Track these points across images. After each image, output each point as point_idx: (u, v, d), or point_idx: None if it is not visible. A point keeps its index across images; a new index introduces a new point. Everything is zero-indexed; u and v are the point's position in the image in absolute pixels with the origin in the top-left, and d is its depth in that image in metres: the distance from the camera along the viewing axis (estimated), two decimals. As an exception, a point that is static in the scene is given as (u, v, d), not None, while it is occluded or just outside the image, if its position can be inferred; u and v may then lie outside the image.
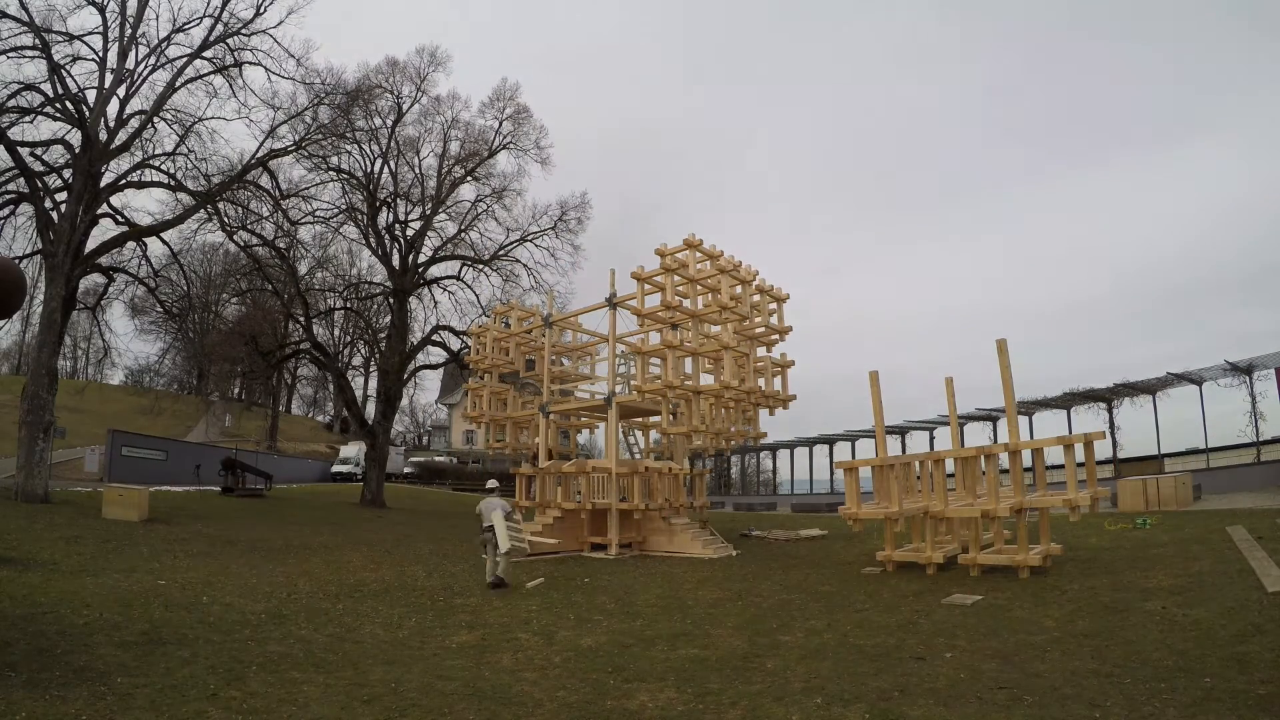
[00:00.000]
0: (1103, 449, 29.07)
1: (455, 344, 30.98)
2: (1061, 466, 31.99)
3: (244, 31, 21.72)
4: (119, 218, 21.70)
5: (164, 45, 21.24)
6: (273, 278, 28.31)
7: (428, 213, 31.57)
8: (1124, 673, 5.41)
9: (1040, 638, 6.78)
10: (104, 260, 21.52)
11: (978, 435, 33.45)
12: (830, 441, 39.87)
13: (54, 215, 19.52)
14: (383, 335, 34.64)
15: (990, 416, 32.55)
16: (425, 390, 66.51)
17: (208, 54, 21.57)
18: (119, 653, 5.91)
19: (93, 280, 23.96)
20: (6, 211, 20.39)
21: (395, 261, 31.10)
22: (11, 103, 18.95)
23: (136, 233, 21.59)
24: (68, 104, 19.76)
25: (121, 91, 20.74)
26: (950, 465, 12.93)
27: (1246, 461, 24.14)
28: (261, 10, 21.64)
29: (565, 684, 5.83)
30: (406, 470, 52.75)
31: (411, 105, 30.66)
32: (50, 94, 19.58)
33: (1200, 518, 13.77)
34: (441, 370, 40.95)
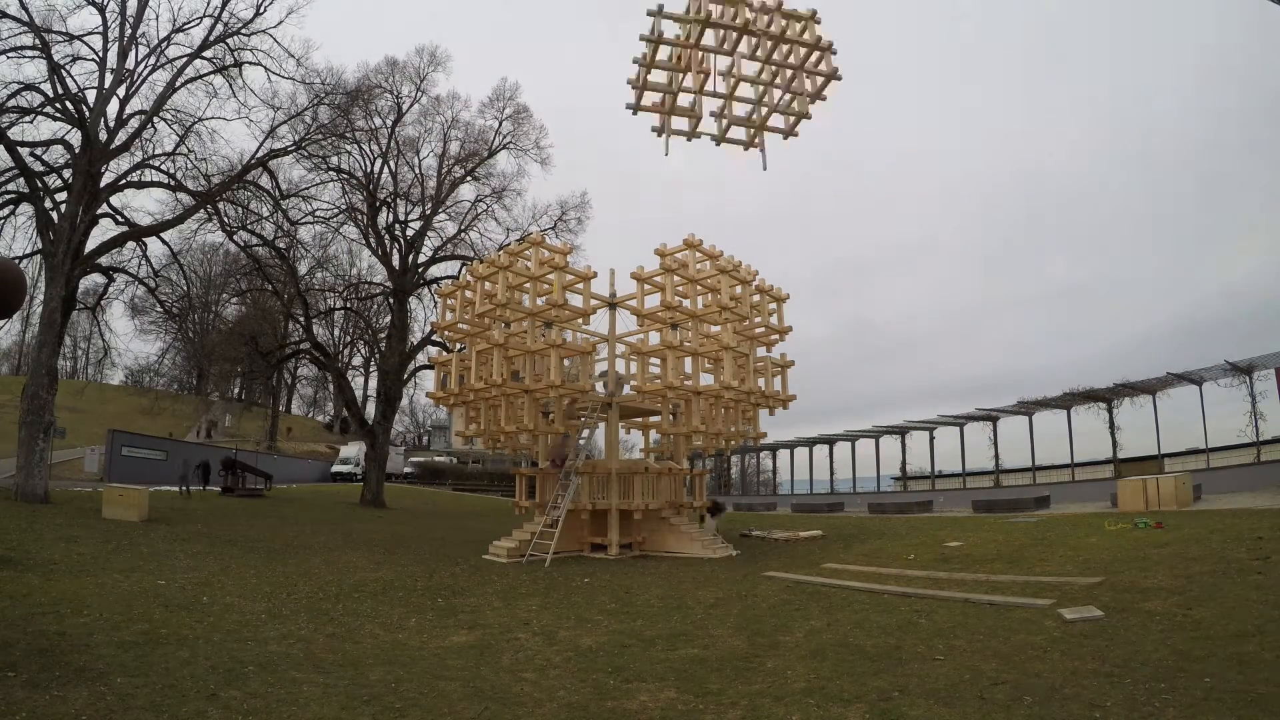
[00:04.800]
0: (1103, 449, 29.19)
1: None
2: (1067, 466, 31.81)
3: (244, 31, 21.78)
4: (119, 218, 21.73)
5: (164, 45, 21.29)
6: (273, 278, 28.34)
7: (428, 213, 31.61)
8: (1124, 673, 5.40)
9: (1040, 638, 6.77)
10: (104, 260, 21.54)
11: (978, 435, 33.50)
12: (830, 441, 39.88)
13: (54, 215, 19.54)
14: (383, 335, 34.67)
15: (990, 416, 32.57)
16: (425, 390, 66.48)
17: (208, 54, 21.60)
18: (119, 653, 5.91)
19: (93, 280, 24.02)
20: (6, 211, 20.42)
21: (395, 261, 31.13)
22: (11, 103, 18.98)
23: (136, 233, 21.61)
24: (68, 104, 19.77)
25: (121, 91, 20.78)
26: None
27: (1246, 461, 24.14)
28: (261, 10, 21.70)
29: (565, 684, 5.83)
30: (406, 470, 52.79)
31: (411, 105, 30.75)
32: (50, 94, 19.60)
33: (1200, 518, 13.77)
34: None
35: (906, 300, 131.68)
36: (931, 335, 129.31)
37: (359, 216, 30.35)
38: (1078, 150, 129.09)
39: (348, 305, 33.91)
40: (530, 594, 10.69)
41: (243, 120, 23.12)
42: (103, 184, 20.44)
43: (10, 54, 19.17)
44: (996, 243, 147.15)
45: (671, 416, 19.00)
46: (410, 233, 31.71)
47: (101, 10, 20.24)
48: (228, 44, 21.80)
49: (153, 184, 22.14)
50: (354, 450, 46.54)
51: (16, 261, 13.13)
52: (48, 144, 20.38)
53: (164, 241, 23.06)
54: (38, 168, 19.83)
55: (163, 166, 21.91)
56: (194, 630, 7.06)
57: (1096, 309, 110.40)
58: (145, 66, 21.17)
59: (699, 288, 17.57)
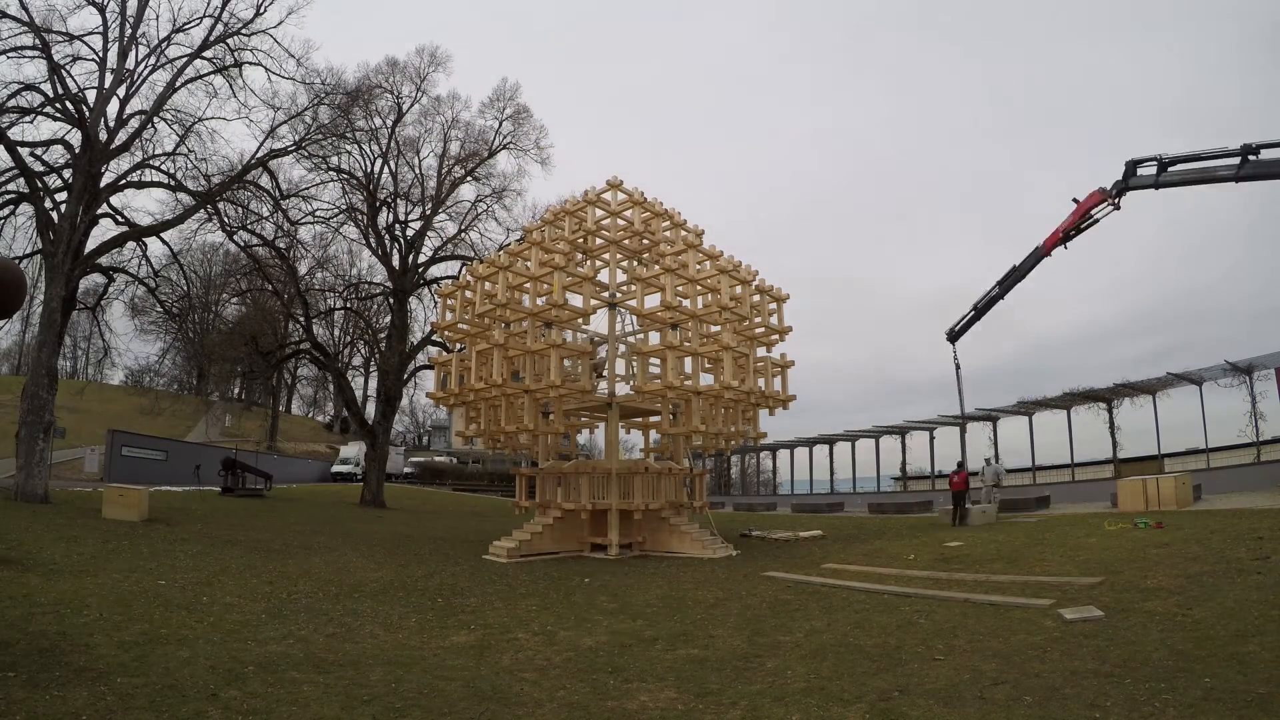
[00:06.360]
0: (1102, 449, 29.18)
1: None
2: (1067, 466, 31.79)
3: (244, 31, 21.76)
4: (119, 218, 21.73)
5: (164, 45, 21.28)
6: (273, 278, 28.33)
7: (428, 213, 31.61)
8: (1124, 673, 5.40)
9: (1040, 638, 6.77)
10: (104, 260, 21.54)
11: (978, 435, 33.49)
12: (830, 441, 39.88)
13: (54, 215, 19.54)
14: (383, 335, 34.67)
15: (990, 416, 32.57)
16: (425, 390, 66.48)
17: (208, 54, 21.59)
18: (119, 653, 5.91)
19: (93, 280, 24.00)
20: (6, 211, 20.42)
21: (395, 261, 31.13)
22: (11, 103, 18.98)
23: (136, 233, 21.61)
24: (68, 104, 19.77)
25: (121, 91, 20.77)
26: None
27: (1246, 461, 24.13)
28: (261, 10, 21.68)
29: (565, 684, 5.83)
30: (406, 470, 52.77)
31: (411, 105, 30.75)
32: (50, 94, 19.60)
33: (1200, 518, 13.76)
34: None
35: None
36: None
37: (359, 216, 30.34)
38: None
39: (348, 305, 33.90)
40: (530, 594, 10.69)
41: (243, 120, 23.17)
42: (103, 184, 20.43)
43: (10, 54, 19.17)
44: None
45: (671, 416, 19.00)
46: (410, 233, 31.72)
47: (101, 10, 20.23)
48: (228, 44, 21.78)
49: (153, 184, 22.13)
50: (354, 450, 46.55)
51: (16, 261, 13.13)
52: (48, 144, 20.38)
53: (164, 241, 23.09)
54: (38, 168, 19.82)
55: (163, 166, 21.92)
56: (194, 630, 7.06)
57: None
58: (145, 66, 21.18)
59: (699, 288, 17.59)
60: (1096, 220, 22.70)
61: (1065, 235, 23.07)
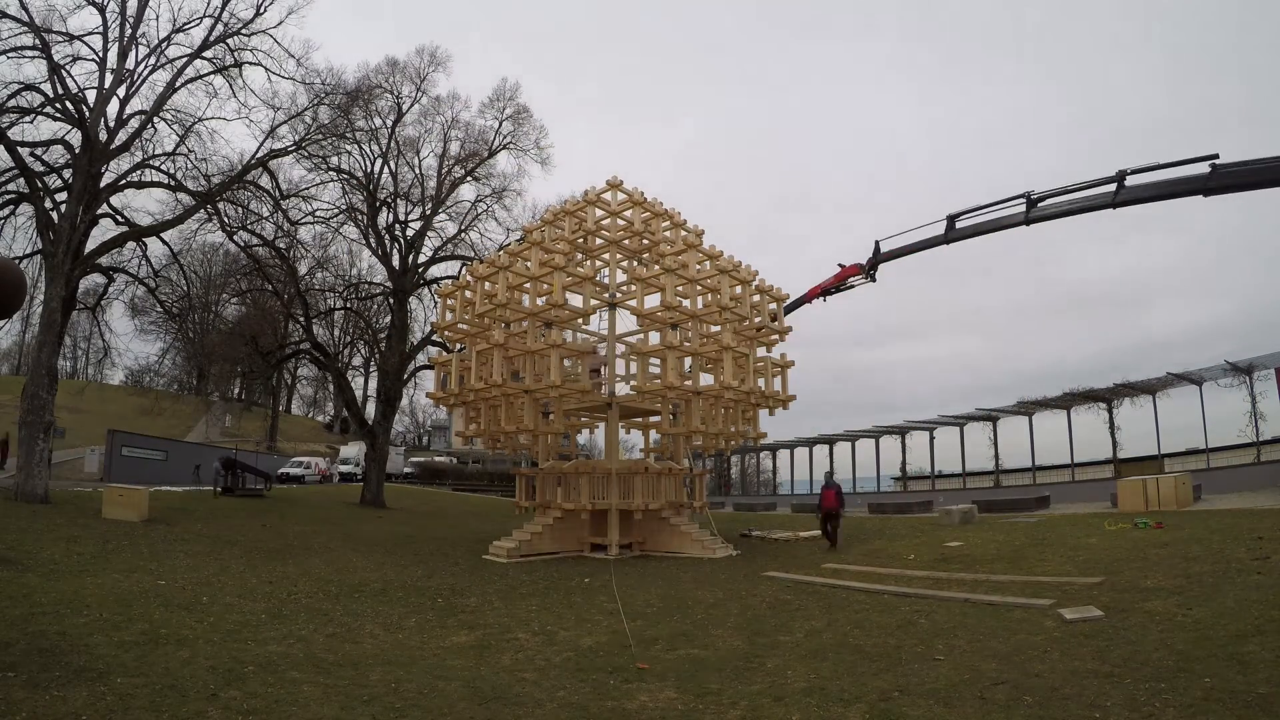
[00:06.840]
0: (1102, 449, 29.20)
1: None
2: (1067, 466, 31.86)
3: (244, 31, 21.71)
4: (119, 218, 21.69)
5: (164, 45, 21.23)
6: (273, 278, 28.28)
7: (428, 213, 31.55)
8: (1124, 673, 5.40)
9: (1040, 638, 6.77)
10: (104, 260, 21.50)
11: (978, 435, 33.51)
12: (830, 442, 39.89)
13: (54, 215, 19.52)
14: (383, 335, 34.61)
15: (990, 417, 32.59)
16: (425, 390, 66.47)
17: (208, 54, 21.56)
18: (119, 653, 5.91)
19: (93, 280, 23.93)
20: (6, 211, 20.39)
21: (395, 261, 31.07)
22: (11, 103, 18.95)
23: (136, 233, 21.58)
24: (68, 104, 19.75)
25: (121, 91, 20.74)
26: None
27: (1246, 461, 24.14)
28: (261, 10, 21.63)
29: (565, 684, 5.83)
30: (406, 470, 52.76)
31: (411, 105, 30.65)
32: (50, 94, 19.57)
33: (1200, 518, 13.77)
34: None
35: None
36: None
37: (359, 216, 30.28)
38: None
39: (348, 305, 33.81)
40: (530, 594, 10.69)
41: (243, 120, 23.12)
42: (103, 184, 20.39)
43: (10, 54, 19.14)
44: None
45: (671, 416, 19.00)
46: (410, 233, 31.64)
47: (101, 10, 20.21)
48: (228, 44, 21.74)
49: (153, 184, 22.09)
50: (354, 450, 46.52)
51: (16, 261, 13.11)
52: (48, 144, 20.34)
53: (164, 241, 23.02)
54: (38, 168, 19.79)
55: (163, 166, 21.88)
56: (194, 630, 7.06)
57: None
58: (145, 66, 21.13)
59: (699, 287, 17.60)
60: (854, 287, 25.94)
61: (825, 292, 26.27)
